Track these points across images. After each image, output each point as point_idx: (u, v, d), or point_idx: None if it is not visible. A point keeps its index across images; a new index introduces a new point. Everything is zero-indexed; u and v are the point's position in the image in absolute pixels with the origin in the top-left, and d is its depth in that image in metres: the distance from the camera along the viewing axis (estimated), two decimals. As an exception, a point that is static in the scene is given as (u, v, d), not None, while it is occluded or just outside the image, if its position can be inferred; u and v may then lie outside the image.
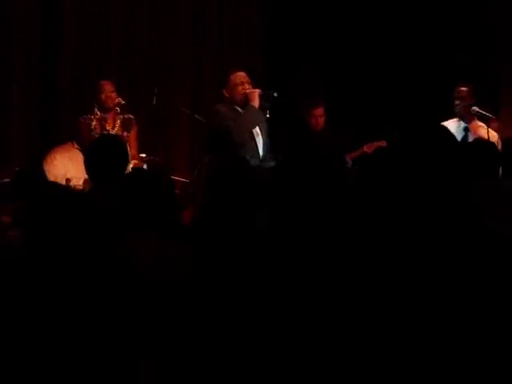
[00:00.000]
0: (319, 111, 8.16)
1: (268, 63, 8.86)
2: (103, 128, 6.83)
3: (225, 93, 6.24)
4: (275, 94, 6.24)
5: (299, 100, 8.34)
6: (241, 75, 6.23)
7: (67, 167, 7.20)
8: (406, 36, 8.72)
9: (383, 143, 7.31)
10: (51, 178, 6.71)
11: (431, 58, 8.57)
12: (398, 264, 2.56)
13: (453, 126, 6.79)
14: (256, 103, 6.11)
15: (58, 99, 7.99)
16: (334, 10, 8.88)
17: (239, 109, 6.17)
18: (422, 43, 8.66)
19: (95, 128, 6.81)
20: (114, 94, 6.87)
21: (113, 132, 6.81)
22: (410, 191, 2.72)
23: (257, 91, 6.16)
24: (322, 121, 8.15)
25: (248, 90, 6.14)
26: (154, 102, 7.64)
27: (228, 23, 8.90)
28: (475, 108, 6.84)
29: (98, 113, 6.86)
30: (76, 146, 7.49)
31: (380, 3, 8.80)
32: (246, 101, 6.13)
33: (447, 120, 6.87)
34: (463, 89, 6.96)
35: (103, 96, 6.87)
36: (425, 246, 2.58)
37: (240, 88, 6.15)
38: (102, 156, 4.25)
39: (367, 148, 8.04)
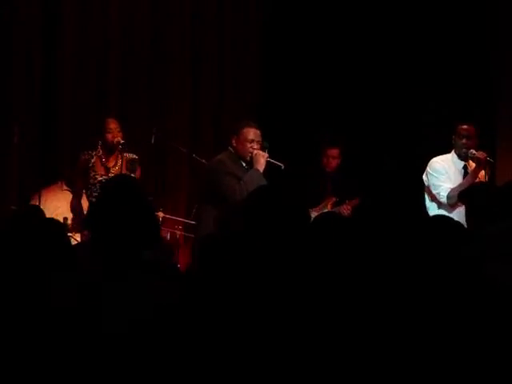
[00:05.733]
0: (333, 152, 8.10)
1: (268, 104, 8.90)
2: (104, 165, 6.64)
3: (233, 141, 6.12)
4: (282, 167, 6.17)
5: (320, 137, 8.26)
6: (254, 133, 6.08)
7: (58, 209, 7.14)
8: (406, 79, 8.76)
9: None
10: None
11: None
12: (397, 310, 2.56)
13: (450, 162, 6.63)
14: (261, 168, 6.03)
15: (58, 137, 7.95)
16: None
17: (243, 163, 6.11)
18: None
19: (94, 165, 6.63)
20: (120, 134, 6.63)
21: (114, 171, 6.63)
22: (406, 241, 2.73)
23: (265, 156, 6.06)
24: (334, 162, 8.08)
25: (256, 152, 6.05)
26: (153, 142, 7.67)
27: (228, 63, 8.95)
28: (472, 151, 6.53)
29: (101, 151, 6.65)
30: (65, 188, 7.44)
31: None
32: (251, 159, 6.07)
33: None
34: (472, 127, 6.62)
35: (109, 136, 6.62)
36: (422, 293, 2.58)
37: (249, 146, 6.04)
38: None
39: None
